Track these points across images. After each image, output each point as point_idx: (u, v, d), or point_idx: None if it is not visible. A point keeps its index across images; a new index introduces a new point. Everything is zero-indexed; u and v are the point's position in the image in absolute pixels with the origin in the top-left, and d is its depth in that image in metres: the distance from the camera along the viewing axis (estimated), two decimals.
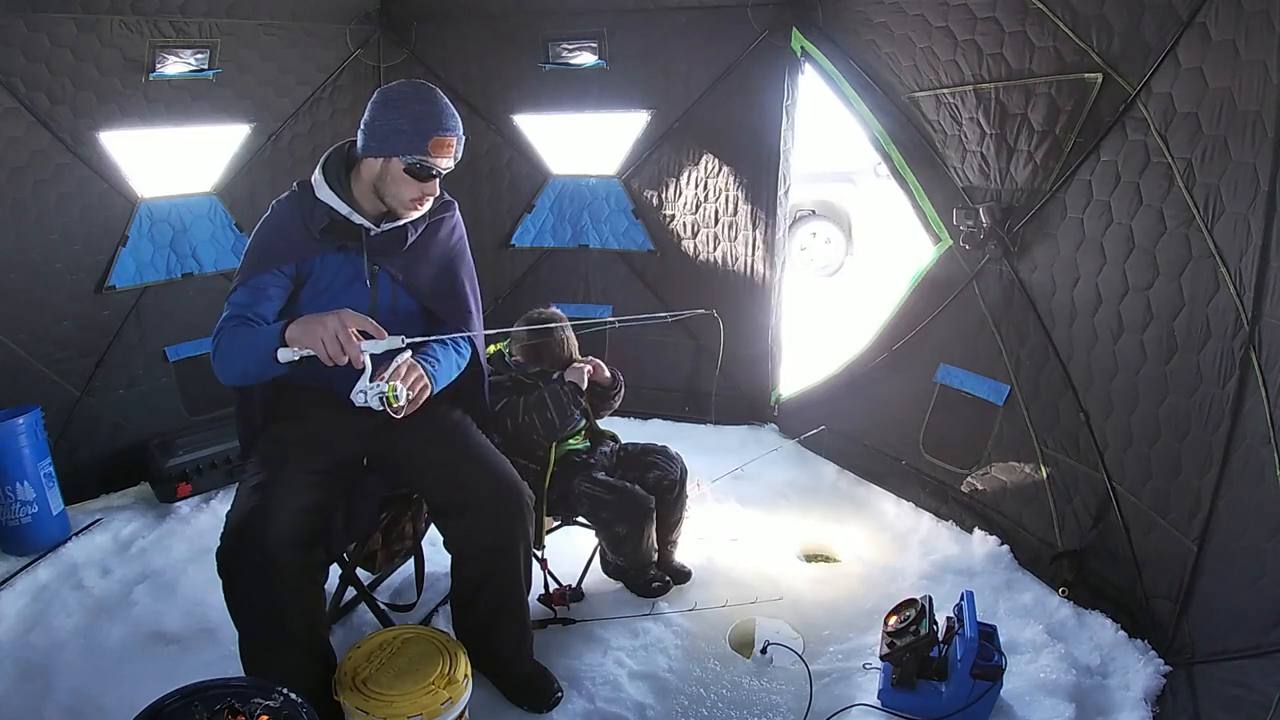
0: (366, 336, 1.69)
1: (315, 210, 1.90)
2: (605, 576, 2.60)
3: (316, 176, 1.91)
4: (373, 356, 1.69)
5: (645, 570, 2.52)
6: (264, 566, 1.67)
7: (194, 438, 3.18)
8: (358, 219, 1.90)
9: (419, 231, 1.99)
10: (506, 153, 3.83)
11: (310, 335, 1.64)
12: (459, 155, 1.90)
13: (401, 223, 1.94)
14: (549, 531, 2.56)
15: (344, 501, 1.93)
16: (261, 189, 3.39)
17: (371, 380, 1.68)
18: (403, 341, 1.71)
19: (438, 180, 1.91)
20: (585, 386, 2.43)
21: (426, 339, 1.85)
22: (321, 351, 1.64)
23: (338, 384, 1.80)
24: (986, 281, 2.81)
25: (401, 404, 1.69)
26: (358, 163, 1.91)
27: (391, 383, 1.68)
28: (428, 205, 1.96)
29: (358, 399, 1.68)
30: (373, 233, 1.93)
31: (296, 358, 1.67)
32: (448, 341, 2.03)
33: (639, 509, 2.37)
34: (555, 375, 2.41)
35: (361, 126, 1.88)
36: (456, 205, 2.15)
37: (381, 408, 1.68)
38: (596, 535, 2.50)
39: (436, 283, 2.05)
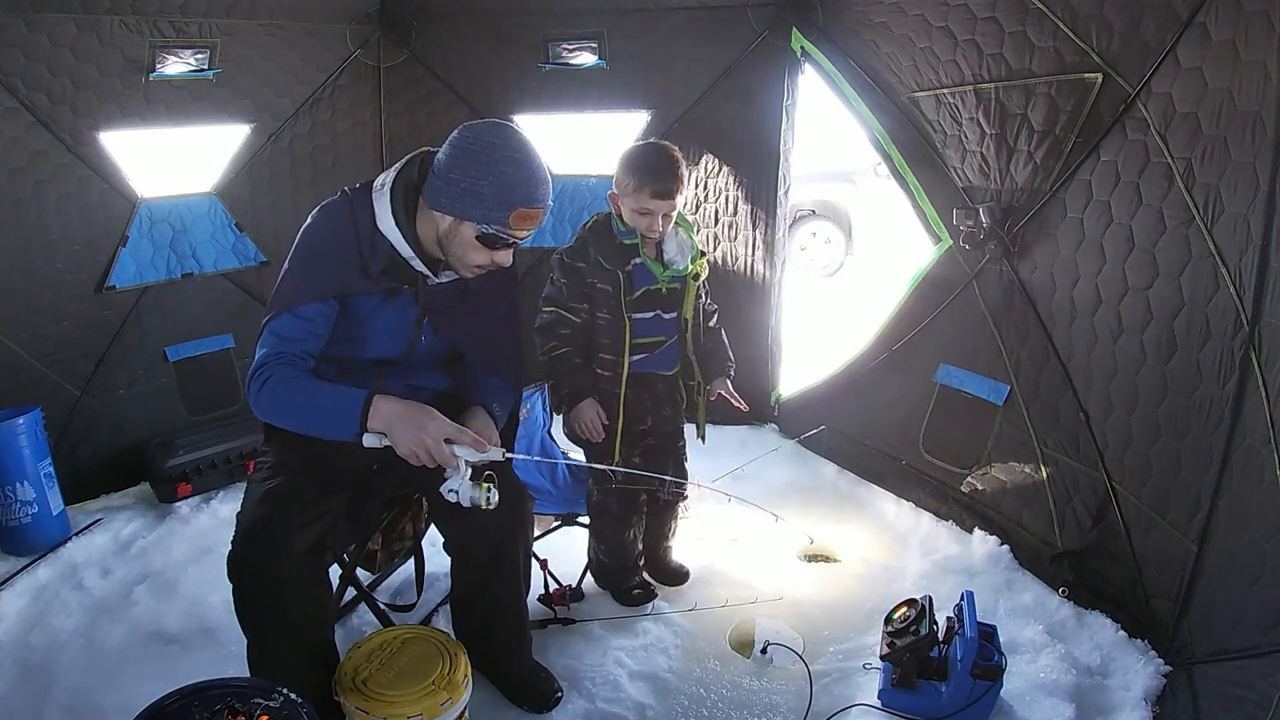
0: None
1: (375, 242, 1.68)
2: None
3: (382, 199, 1.67)
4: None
5: (628, 576, 2.50)
6: (276, 575, 1.64)
7: (194, 438, 3.17)
8: (418, 265, 1.72)
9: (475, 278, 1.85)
10: None
11: (401, 440, 1.55)
12: (543, 223, 1.68)
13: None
14: (548, 532, 2.57)
15: (346, 502, 1.91)
16: (261, 189, 3.40)
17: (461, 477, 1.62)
18: (503, 456, 1.66)
19: (511, 250, 1.70)
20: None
21: (529, 458, 1.80)
22: (411, 457, 1.56)
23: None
24: (986, 281, 2.81)
25: (493, 506, 1.62)
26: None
27: (486, 484, 1.62)
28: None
29: (449, 496, 1.62)
30: (430, 282, 1.77)
31: (381, 445, 1.57)
32: (495, 385, 1.96)
33: (627, 499, 2.38)
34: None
35: (435, 170, 1.62)
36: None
37: (470, 507, 1.63)
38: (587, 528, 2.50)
39: (482, 333, 1.93)
